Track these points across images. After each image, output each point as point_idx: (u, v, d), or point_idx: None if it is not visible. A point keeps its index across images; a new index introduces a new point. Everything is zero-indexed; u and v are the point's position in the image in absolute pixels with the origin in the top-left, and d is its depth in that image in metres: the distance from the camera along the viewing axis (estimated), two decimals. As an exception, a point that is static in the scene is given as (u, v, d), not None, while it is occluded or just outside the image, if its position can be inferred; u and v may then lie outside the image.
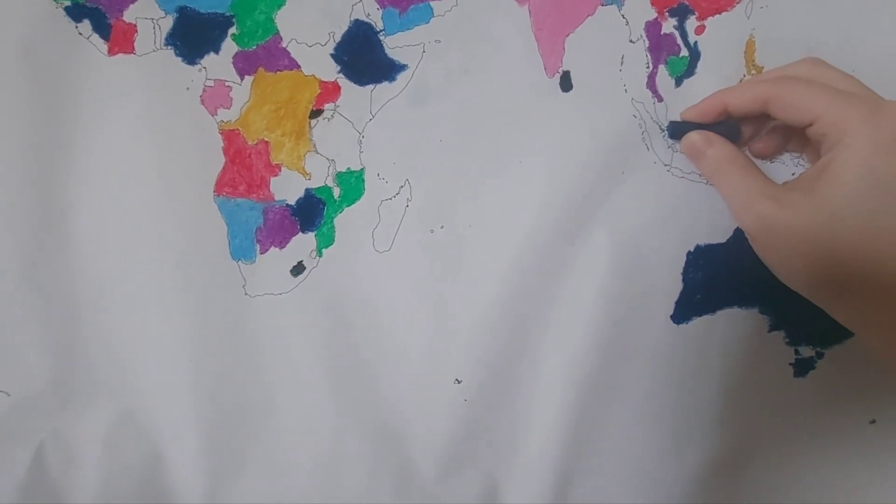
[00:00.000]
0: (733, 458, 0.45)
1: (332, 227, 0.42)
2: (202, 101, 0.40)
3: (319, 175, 0.42)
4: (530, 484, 0.44)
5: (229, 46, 0.40)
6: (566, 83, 0.41)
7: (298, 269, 0.42)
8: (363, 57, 0.41)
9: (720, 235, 0.42)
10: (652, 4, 0.41)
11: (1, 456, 0.41)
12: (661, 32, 0.41)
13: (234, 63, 0.40)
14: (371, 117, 0.41)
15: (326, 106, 0.41)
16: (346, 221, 0.42)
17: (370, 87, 0.41)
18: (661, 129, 0.41)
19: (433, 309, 0.43)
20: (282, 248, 0.42)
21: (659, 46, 0.41)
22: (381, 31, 0.41)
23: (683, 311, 0.43)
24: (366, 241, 0.42)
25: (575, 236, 0.42)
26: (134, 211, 0.40)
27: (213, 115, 0.41)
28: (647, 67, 0.41)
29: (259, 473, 0.43)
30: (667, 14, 0.41)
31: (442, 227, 0.42)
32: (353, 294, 0.42)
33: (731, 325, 0.43)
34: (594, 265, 0.42)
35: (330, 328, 0.42)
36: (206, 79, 0.40)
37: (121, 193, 0.40)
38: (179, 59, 0.40)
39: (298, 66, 0.41)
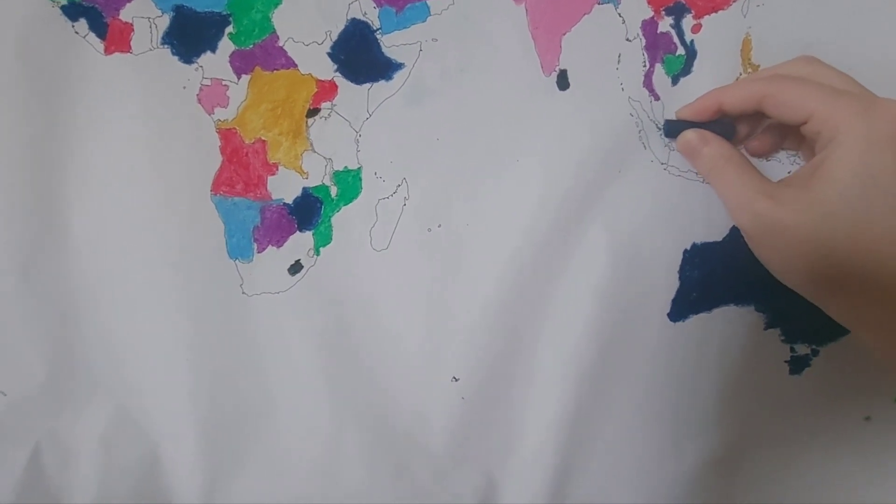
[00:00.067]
0: (729, 455, 0.45)
1: (330, 225, 0.42)
2: (199, 100, 0.40)
3: (317, 174, 0.42)
4: (528, 482, 0.44)
5: (226, 45, 0.40)
6: (563, 82, 0.41)
7: (296, 268, 0.42)
8: (360, 56, 0.41)
9: (716, 234, 0.42)
10: (648, 3, 0.41)
11: (-2, 456, 0.41)
12: (658, 31, 0.41)
13: (230, 62, 0.40)
14: (368, 116, 0.41)
15: (323, 105, 0.41)
16: (343, 220, 0.42)
17: (367, 85, 0.41)
18: (657, 127, 0.41)
19: (430, 307, 0.43)
20: (279, 246, 0.42)
21: (655, 45, 0.41)
22: (377, 29, 0.41)
23: (680, 309, 0.43)
24: (363, 239, 0.42)
25: (572, 234, 0.42)
26: (131, 210, 0.40)
27: (209, 114, 0.41)
28: (644, 66, 0.41)
29: (257, 472, 0.43)
30: (663, 13, 0.41)
31: (439, 226, 0.42)
32: (351, 293, 0.42)
33: (728, 322, 0.43)
34: (591, 263, 0.42)
35: (327, 327, 0.42)
36: (203, 78, 0.40)
37: (117, 192, 0.40)
38: (176, 58, 0.40)
39: (295, 65, 0.41)
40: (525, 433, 0.44)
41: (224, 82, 0.40)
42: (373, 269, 0.42)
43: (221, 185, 0.41)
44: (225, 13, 0.40)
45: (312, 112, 0.41)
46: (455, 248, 0.42)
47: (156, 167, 0.40)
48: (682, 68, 0.41)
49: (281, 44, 0.40)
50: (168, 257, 0.41)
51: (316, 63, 0.41)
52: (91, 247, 0.40)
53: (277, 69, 0.41)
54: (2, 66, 0.38)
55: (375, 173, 0.42)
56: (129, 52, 0.40)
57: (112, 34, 0.39)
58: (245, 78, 0.41)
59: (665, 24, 0.41)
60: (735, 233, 0.42)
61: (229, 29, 0.40)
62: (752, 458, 0.46)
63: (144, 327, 0.41)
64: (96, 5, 0.39)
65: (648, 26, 0.41)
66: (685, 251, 0.42)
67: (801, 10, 0.41)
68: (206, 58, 0.40)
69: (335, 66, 0.41)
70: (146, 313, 0.41)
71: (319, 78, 0.41)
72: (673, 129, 0.40)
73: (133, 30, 0.39)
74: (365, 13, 0.41)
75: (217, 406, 0.42)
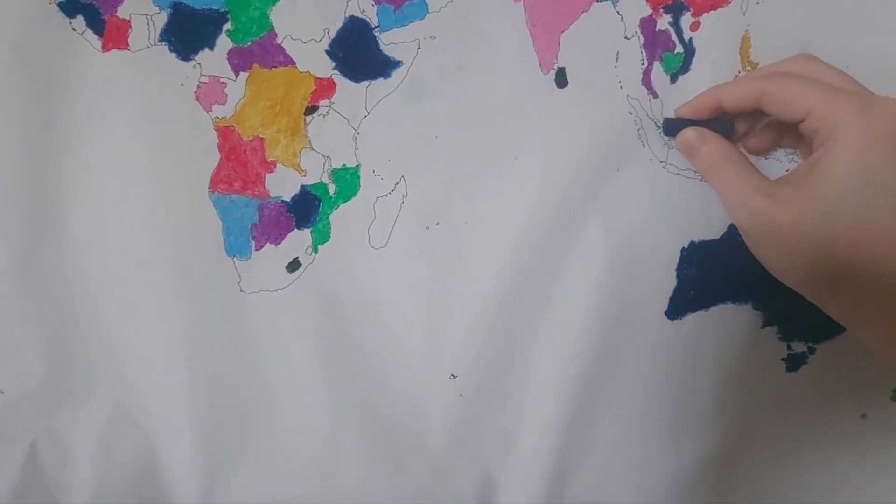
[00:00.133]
0: (726, 453, 0.45)
1: (328, 223, 0.42)
2: (197, 98, 0.40)
3: (315, 172, 0.42)
4: (526, 480, 0.44)
5: (224, 42, 0.40)
6: (561, 80, 0.41)
7: (294, 266, 0.42)
8: (358, 53, 0.41)
9: (714, 232, 0.42)
10: (647, 1, 0.41)
11: (-5, 454, 0.41)
12: (656, 29, 0.41)
13: (228, 59, 0.40)
14: (366, 114, 0.41)
15: (321, 102, 0.41)
16: (341, 218, 0.42)
17: (365, 83, 0.41)
18: (656, 125, 0.41)
19: (429, 305, 0.43)
20: (277, 244, 0.42)
21: (654, 43, 0.41)
22: (375, 27, 0.41)
23: (677, 307, 0.43)
24: (361, 237, 0.42)
25: (570, 232, 0.42)
26: (128, 208, 0.40)
27: (207, 112, 0.40)
28: (643, 64, 0.41)
29: (256, 470, 0.43)
30: (662, 10, 0.41)
31: (438, 224, 0.42)
32: (349, 290, 0.42)
33: (725, 320, 0.43)
34: (589, 261, 0.42)
35: (325, 324, 0.42)
36: (201, 75, 0.40)
37: (115, 190, 0.40)
38: (174, 55, 0.40)
39: (293, 63, 0.41)
40: (523, 431, 0.44)
41: (222, 80, 0.40)
42: (371, 267, 0.42)
43: (219, 182, 0.41)
44: (223, 10, 0.40)
45: (311, 110, 0.41)
46: (453, 246, 0.42)
47: (153, 165, 0.40)
48: (680, 66, 0.41)
49: (279, 41, 0.40)
50: (166, 255, 0.41)
51: (314, 61, 0.41)
52: (88, 244, 0.40)
53: (276, 67, 0.41)
54: (-2, 62, 0.38)
55: (374, 171, 0.42)
56: (126, 49, 0.39)
57: (109, 31, 0.39)
58: (243, 75, 0.40)
59: (664, 21, 0.41)
60: (733, 231, 0.42)
61: (227, 26, 0.40)
62: (748, 456, 0.46)
63: (142, 325, 0.41)
64: (93, 2, 0.39)
65: (647, 24, 0.41)
66: (683, 249, 0.42)
67: (801, 8, 0.41)
68: (204, 55, 0.40)
69: (333, 64, 0.41)
70: (144, 311, 0.41)
71: (318, 75, 0.41)
72: (672, 127, 0.40)
73: (130, 27, 0.39)
74: (363, 11, 0.41)
75: (215, 404, 0.42)
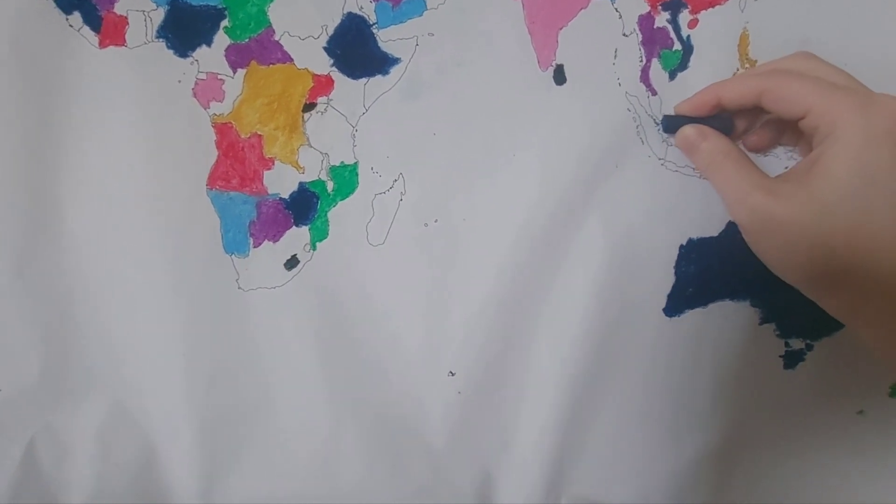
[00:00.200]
0: (724, 449, 0.45)
1: (326, 220, 0.42)
2: (194, 95, 0.40)
3: (313, 169, 0.41)
4: (525, 477, 0.44)
5: (221, 39, 0.40)
6: (560, 76, 0.41)
7: (292, 263, 0.42)
8: (356, 50, 0.41)
9: (712, 229, 0.42)
10: (645, -2, 0.41)
11: (-7, 451, 0.41)
12: (654, 26, 0.41)
13: (226, 56, 0.40)
14: (364, 111, 0.41)
15: (319, 99, 0.41)
16: (339, 215, 0.42)
17: (363, 80, 0.41)
18: (655, 122, 0.41)
19: (427, 302, 0.43)
20: (275, 241, 0.42)
21: (652, 40, 0.41)
22: (374, 24, 0.41)
23: (676, 304, 0.43)
24: (360, 234, 0.42)
25: (568, 229, 0.42)
26: (126, 205, 0.40)
27: (205, 109, 0.40)
28: (641, 61, 0.41)
29: (254, 467, 0.43)
30: (660, 8, 0.41)
31: (436, 221, 0.42)
32: (347, 288, 0.42)
33: (723, 318, 0.44)
34: (587, 258, 0.42)
35: (324, 322, 0.42)
36: (199, 72, 0.40)
37: (112, 187, 0.40)
38: (171, 51, 0.40)
39: (291, 60, 0.40)
40: (522, 428, 0.44)
41: (220, 76, 0.40)
42: (369, 264, 0.42)
43: (217, 179, 0.41)
44: (220, 7, 0.40)
45: (309, 107, 0.41)
46: (451, 243, 0.42)
47: (151, 162, 0.40)
48: (678, 63, 0.41)
49: (277, 38, 0.40)
50: (163, 252, 0.41)
51: (312, 57, 0.41)
52: (86, 242, 0.40)
53: (273, 63, 0.40)
54: (-5, 59, 0.38)
55: (372, 168, 0.42)
56: (123, 45, 0.39)
57: (107, 27, 0.39)
58: (241, 72, 0.40)
59: (662, 19, 0.41)
60: (731, 228, 0.42)
61: (225, 23, 0.40)
62: (746, 453, 0.46)
63: (140, 323, 0.41)
64: (91, -2, 0.39)
65: (645, 21, 0.41)
66: (681, 246, 0.42)
67: (799, 6, 0.41)
68: (202, 52, 0.40)
69: (331, 61, 0.41)
70: (142, 309, 0.41)
71: (316, 72, 0.41)
72: (671, 124, 0.40)
73: (128, 23, 0.39)
74: (361, 7, 0.40)
75: (214, 401, 0.42)
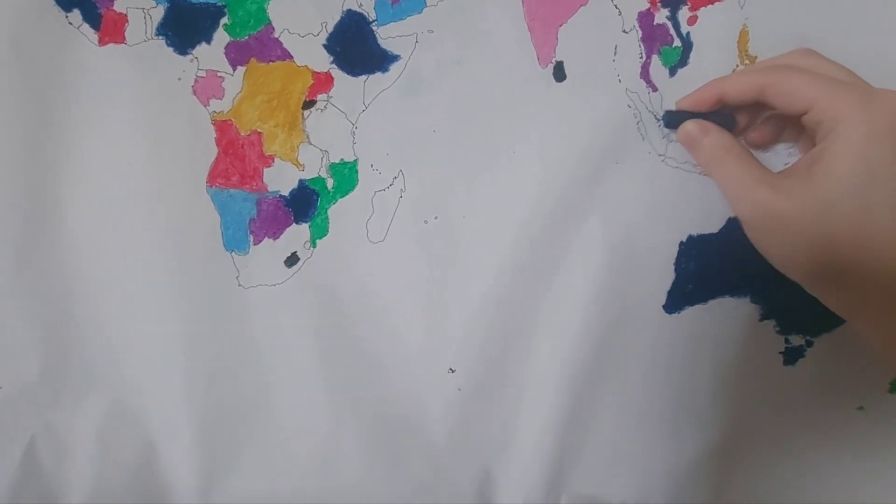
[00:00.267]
0: (724, 446, 0.45)
1: (326, 218, 0.42)
2: (194, 92, 0.40)
3: (313, 166, 0.41)
4: (525, 474, 0.44)
5: (221, 37, 0.40)
6: (559, 73, 0.41)
7: (292, 260, 0.42)
8: (356, 47, 0.41)
9: (712, 226, 0.42)
10: (644, -5, 0.41)
11: (-7, 450, 0.41)
12: (654, 23, 0.41)
13: (226, 53, 0.40)
14: (364, 108, 0.41)
15: (319, 97, 0.41)
16: (339, 212, 0.42)
17: (363, 77, 0.41)
18: (655, 118, 0.41)
19: (427, 299, 0.43)
20: (275, 239, 0.42)
21: (652, 37, 0.41)
22: (373, 21, 0.41)
23: (676, 301, 0.43)
24: (360, 232, 0.42)
25: (568, 226, 0.42)
26: (126, 202, 0.40)
27: (205, 106, 0.40)
28: (641, 57, 0.41)
29: (254, 465, 0.43)
30: (659, 4, 0.41)
31: (436, 218, 0.42)
32: (348, 285, 0.42)
33: (723, 314, 0.43)
34: (587, 255, 0.42)
35: (324, 319, 0.42)
36: (198, 69, 0.40)
37: (113, 185, 0.40)
38: (171, 49, 0.40)
39: (291, 57, 0.40)
40: (522, 425, 0.44)
41: (219, 74, 0.40)
42: (369, 262, 0.42)
43: (217, 177, 0.41)
44: (220, 4, 0.40)
45: (308, 104, 0.41)
46: (451, 241, 0.42)
47: (151, 159, 0.40)
48: (679, 60, 0.41)
49: (276, 35, 0.40)
50: (163, 250, 0.41)
51: (312, 55, 0.41)
52: (86, 239, 0.40)
53: (273, 61, 0.40)
54: (-6, 56, 0.38)
55: (372, 165, 0.42)
56: (123, 43, 0.39)
57: (106, 25, 0.39)
58: (240, 69, 0.40)
59: (661, 15, 0.41)
60: (731, 225, 0.42)
61: (224, 20, 0.40)
62: (746, 450, 0.46)
63: (140, 320, 0.41)
64: (90, -4, 0.39)
65: (645, 18, 0.41)
66: (681, 243, 0.42)
67: (798, 3, 0.40)
68: (202, 49, 0.40)
69: (331, 58, 0.41)
70: (142, 306, 0.41)
71: (315, 70, 0.41)
72: (673, 119, 0.40)
73: (127, 20, 0.39)
74: (360, 4, 0.40)
75: (214, 399, 0.42)
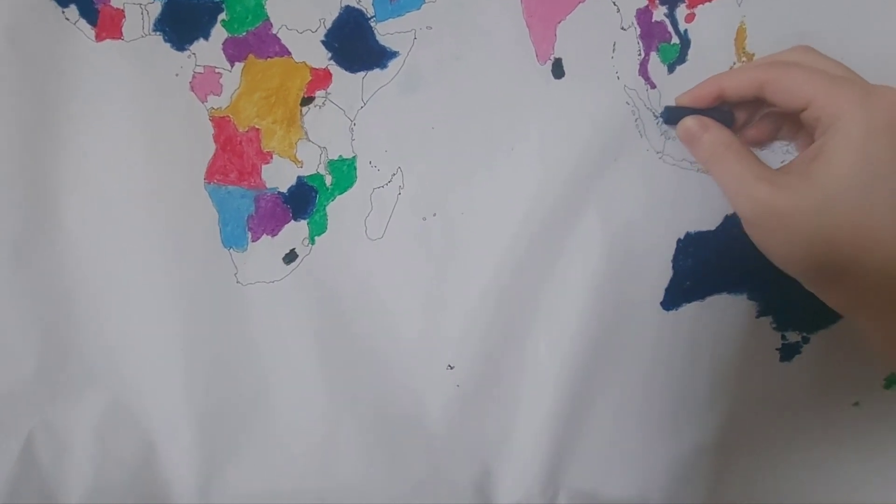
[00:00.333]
0: (720, 442, 0.45)
1: (325, 214, 0.42)
2: (192, 88, 0.40)
3: (311, 163, 0.41)
4: (523, 472, 0.44)
5: (219, 32, 0.40)
6: (558, 70, 0.41)
7: (291, 257, 0.42)
8: (354, 44, 0.41)
9: (710, 223, 0.42)
10: (642, -8, 0.41)
11: (-10, 447, 0.41)
12: (652, 20, 0.41)
13: (223, 49, 0.40)
14: (363, 105, 0.41)
15: (318, 93, 0.41)
16: (338, 209, 0.42)
17: (361, 74, 0.41)
18: (654, 115, 0.41)
19: (426, 296, 0.43)
20: (274, 235, 0.42)
21: (650, 34, 0.41)
22: (372, 17, 0.41)
23: (673, 297, 0.43)
24: (358, 228, 0.42)
25: (567, 223, 0.42)
26: (123, 199, 0.40)
27: (203, 102, 0.40)
28: (639, 55, 0.41)
29: (253, 462, 0.43)
30: (657, 2, 0.41)
31: (434, 215, 0.42)
32: (346, 281, 0.42)
33: (720, 311, 0.44)
34: (585, 252, 0.42)
35: (322, 316, 0.42)
36: (196, 65, 0.40)
37: (110, 181, 0.40)
38: (168, 45, 0.39)
39: (289, 53, 0.40)
40: (520, 422, 0.44)
41: (217, 70, 0.40)
42: (368, 259, 0.42)
43: (215, 173, 0.41)
44: (217, 0, 0.39)
45: (307, 100, 0.41)
46: (450, 237, 0.42)
47: (148, 156, 0.40)
48: (677, 57, 0.41)
49: (274, 31, 0.40)
50: (161, 246, 0.41)
51: (310, 51, 0.40)
52: (84, 236, 0.40)
53: (271, 57, 0.40)
54: (-8, 53, 0.38)
55: (370, 162, 0.42)
56: (120, 38, 0.39)
57: (103, 20, 0.39)
58: (238, 66, 0.40)
59: (659, 13, 0.41)
60: (728, 222, 0.42)
61: (222, 16, 0.40)
62: (742, 446, 0.46)
63: (138, 317, 0.41)
64: (87, -9, 0.39)
65: (643, 15, 0.41)
66: (679, 240, 0.43)
67: (795, 0, 0.41)
68: (199, 45, 0.40)
69: (329, 55, 0.41)
70: (140, 303, 0.41)
71: (313, 66, 0.41)
72: (672, 115, 0.40)
73: (124, 16, 0.39)
74: (359, 1, 0.40)
75: (212, 396, 0.42)
